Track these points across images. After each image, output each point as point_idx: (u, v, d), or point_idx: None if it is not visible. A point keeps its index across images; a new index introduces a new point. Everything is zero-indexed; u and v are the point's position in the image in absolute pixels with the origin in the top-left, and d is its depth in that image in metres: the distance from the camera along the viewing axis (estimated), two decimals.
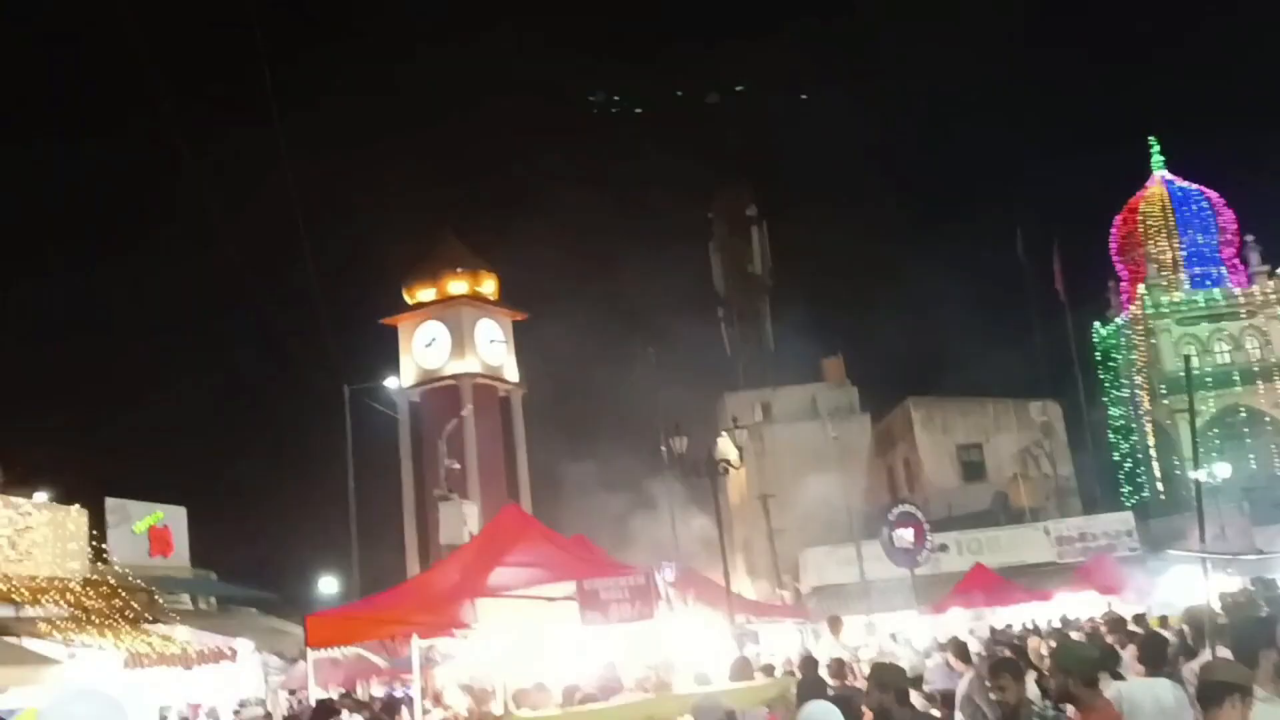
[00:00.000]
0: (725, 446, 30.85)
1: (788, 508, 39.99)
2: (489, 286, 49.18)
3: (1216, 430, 45.61)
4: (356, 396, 34.40)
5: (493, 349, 48.43)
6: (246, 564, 34.09)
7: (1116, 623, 13.87)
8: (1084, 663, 5.81)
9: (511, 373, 49.13)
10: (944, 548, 31.27)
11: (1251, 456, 44.75)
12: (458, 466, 37.14)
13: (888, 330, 57.56)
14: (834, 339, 49.96)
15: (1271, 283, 47.28)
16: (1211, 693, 4.86)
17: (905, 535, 27.12)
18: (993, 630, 21.53)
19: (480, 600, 12.30)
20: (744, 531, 46.22)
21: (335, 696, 16.90)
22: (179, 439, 63.17)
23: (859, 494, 41.81)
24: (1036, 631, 18.86)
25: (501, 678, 14.46)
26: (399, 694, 18.34)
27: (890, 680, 6.55)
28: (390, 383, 41.57)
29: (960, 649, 11.87)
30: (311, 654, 13.80)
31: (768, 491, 41.16)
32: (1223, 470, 35.85)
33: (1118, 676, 7.70)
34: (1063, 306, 45.99)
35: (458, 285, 47.92)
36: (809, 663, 12.11)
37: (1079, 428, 43.31)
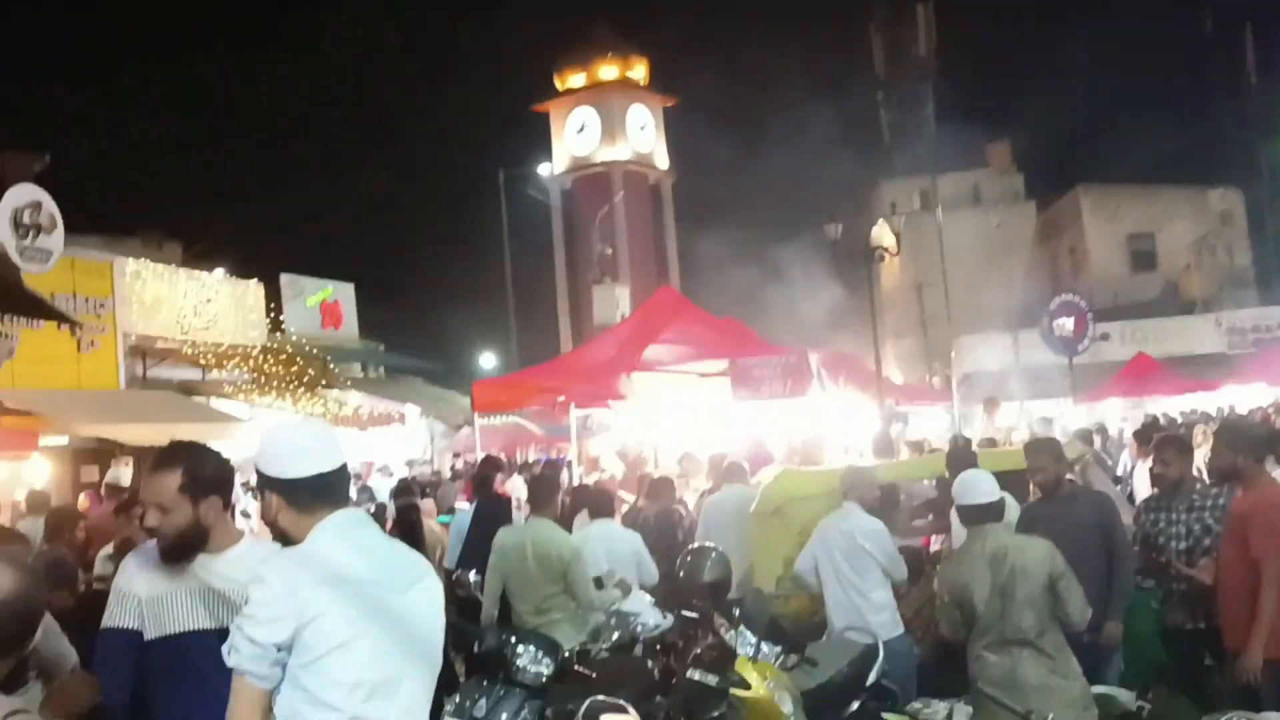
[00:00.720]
0: (881, 233, 30.21)
1: (942, 296, 39.26)
2: (640, 71, 48.25)
3: None
4: (511, 182, 34.77)
5: (643, 135, 47.93)
6: (411, 338, 35.56)
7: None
8: (1253, 440, 5.65)
9: (662, 159, 48.70)
10: (1105, 336, 30.34)
11: None
12: (610, 251, 37.59)
13: (1058, 114, 54.44)
14: (1000, 123, 47.65)
15: None
16: None
17: (1065, 324, 26.43)
18: (1148, 415, 21.06)
19: (635, 375, 12.63)
20: (895, 320, 45.73)
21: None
22: (348, 220, 65.37)
23: (1019, 283, 40.69)
24: (1204, 419, 18.38)
25: (653, 446, 15.00)
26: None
27: (1052, 450, 6.50)
28: (543, 169, 41.79)
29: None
30: (477, 419, 14.53)
31: (923, 280, 40.39)
32: None
33: None
34: (1252, 87, 42.47)
35: (608, 70, 47.20)
36: (959, 439, 12.13)
37: (1260, 216, 40.67)
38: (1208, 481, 6.38)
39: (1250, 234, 40.86)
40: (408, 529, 8.81)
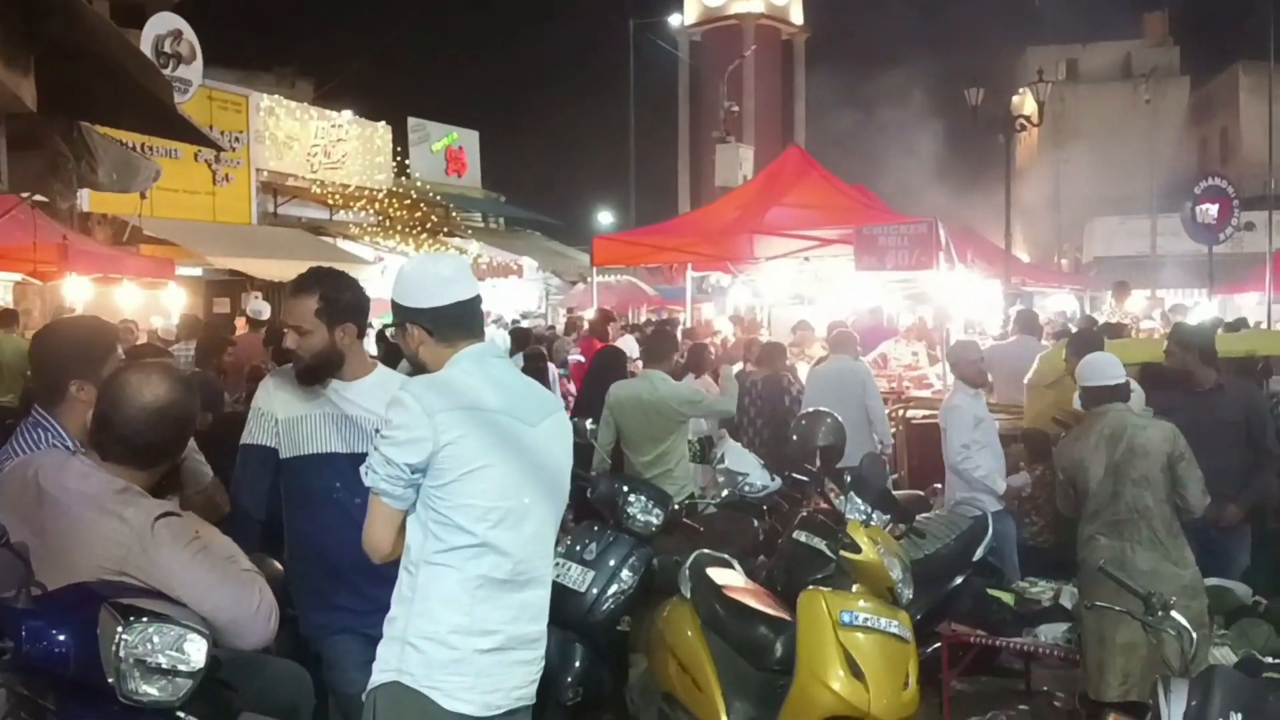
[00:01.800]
0: (1023, 102, 28.87)
1: (1079, 174, 37.62)
2: None
3: None
4: (640, 31, 34.04)
5: None
6: (531, 190, 35.75)
7: None
8: None
9: (797, 14, 47.04)
10: (1250, 226, 28.80)
11: None
12: (736, 109, 36.77)
13: None
14: None
15: None
16: None
17: (1210, 210, 25.09)
18: None
19: (757, 240, 12.46)
20: (1028, 196, 44.09)
21: None
22: (474, 66, 65.16)
23: (1162, 165, 38.74)
24: None
25: (768, 313, 14.89)
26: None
27: (1191, 340, 6.23)
28: (674, 19, 40.80)
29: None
30: (594, 275, 14.58)
31: (1062, 156, 38.69)
32: None
33: None
34: None
35: None
36: (1087, 320, 11.76)
37: None
38: None
39: None
40: (535, 378, 8.96)
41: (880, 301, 14.86)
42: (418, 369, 2.90)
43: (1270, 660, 3.72)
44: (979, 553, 6.28)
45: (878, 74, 37.22)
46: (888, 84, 35.85)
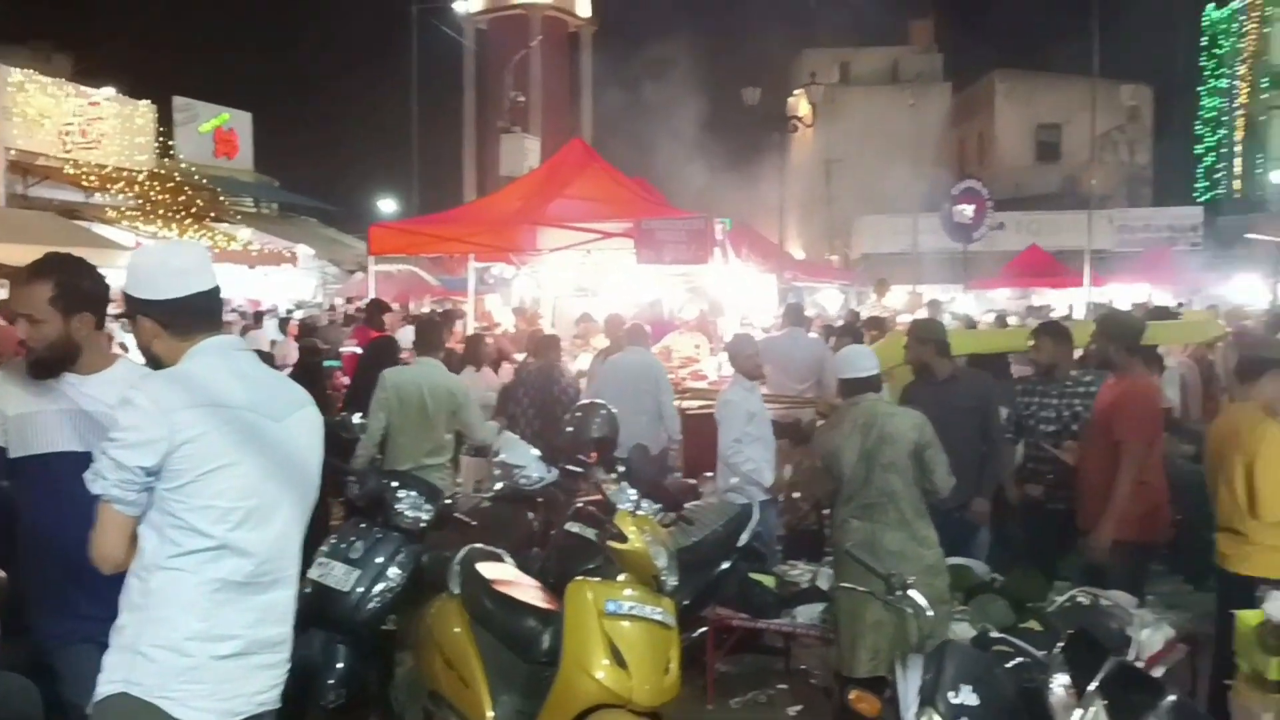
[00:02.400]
0: (798, 103, 29.98)
1: (848, 174, 39.40)
2: None
3: None
4: (424, 16, 33.45)
5: None
6: (308, 176, 34.57)
7: (1156, 310, 13.86)
8: (1127, 330, 5.86)
9: (584, 7, 47.24)
10: (1001, 226, 30.96)
11: None
12: (522, 99, 36.63)
13: None
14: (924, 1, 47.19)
15: None
16: (1251, 367, 4.90)
17: (965, 210, 26.89)
18: (1030, 308, 21.72)
19: (540, 232, 12.44)
20: (802, 194, 45.85)
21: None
22: (248, 44, 62.36)
23: (926, 166, 40.99)
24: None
25: (550, 304, 14.92)
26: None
27: (928, 334, 6.65)
28: (458, 6, 40.25)
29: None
30: (372, 264, 14.22)
31: (833, 156, 40.40)
32: None
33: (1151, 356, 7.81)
34: None
35: None
36: (850, 316, 12.34)
37: (1166, 115, 41.44)
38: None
39: (1155, 132, 41.63)
40: (309, 370, 8.63)
41: (660, 294, 15.15)
42: (152, 363, 2.75)
43: (996, 635, 4.02)
44: (744, 538, 6.48)
45: (661, 70, 37.81)
46: (670, 80, 36.47)
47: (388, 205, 37.82)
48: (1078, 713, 2.67)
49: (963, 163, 42.90)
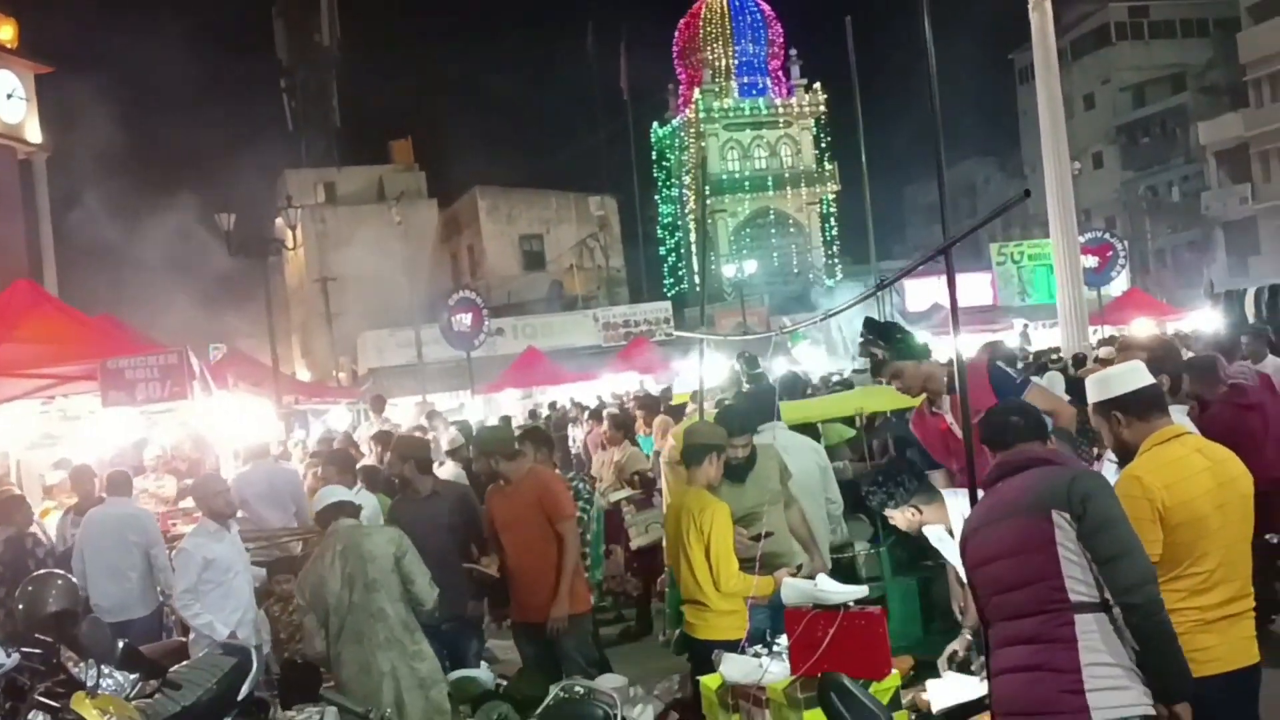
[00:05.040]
0: (281, 225, 29.49)
1: (348, 291, 39.36)
2: (7, 33, 42.56)
3: (748, 230, 50.11)
4: None
5: (11, 105, 42.34)
6: None
7: (645, 399, 15.10)
8: (503, 443, 6.42)
9: (34, 132, 43.46)
10: (500, 332, 32.40)
11: (775, 254, 49.70)
12: None
13: (459, 117, 57.03)
14: (403, 121, 48.79)
15: (808, 96, 51.58)
16: (694, 453, 5.48)
17: (464, 319, 27.87)
18: (535, 407, 22.80)
19: None
20: (302, 315, 45.04)
21: None
22: None
23: (422, 279, 41.89)
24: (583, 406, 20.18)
25: (14, 459, 13.34)
26: None
27: (409, 452, 6.80)
28: None
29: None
30: None
31: (328, 274, 40.17)
32: (750, 266, 39.59)
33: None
34: (626, 105, 47.83)
35: None
36: (344, 438, 12.26)
37: (632, 222, 45.83)
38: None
39: (623, 237, 45.80)
40: None
41: (145, 433, 14.10)
42: None
43: None
44: (244, 690, 6.11)
45: (134, 195, 35.69)
46: (146, 206, 34.52)
47: None
48: None
49: (457, 274, 44.44)
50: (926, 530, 4.88)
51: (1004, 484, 3.50)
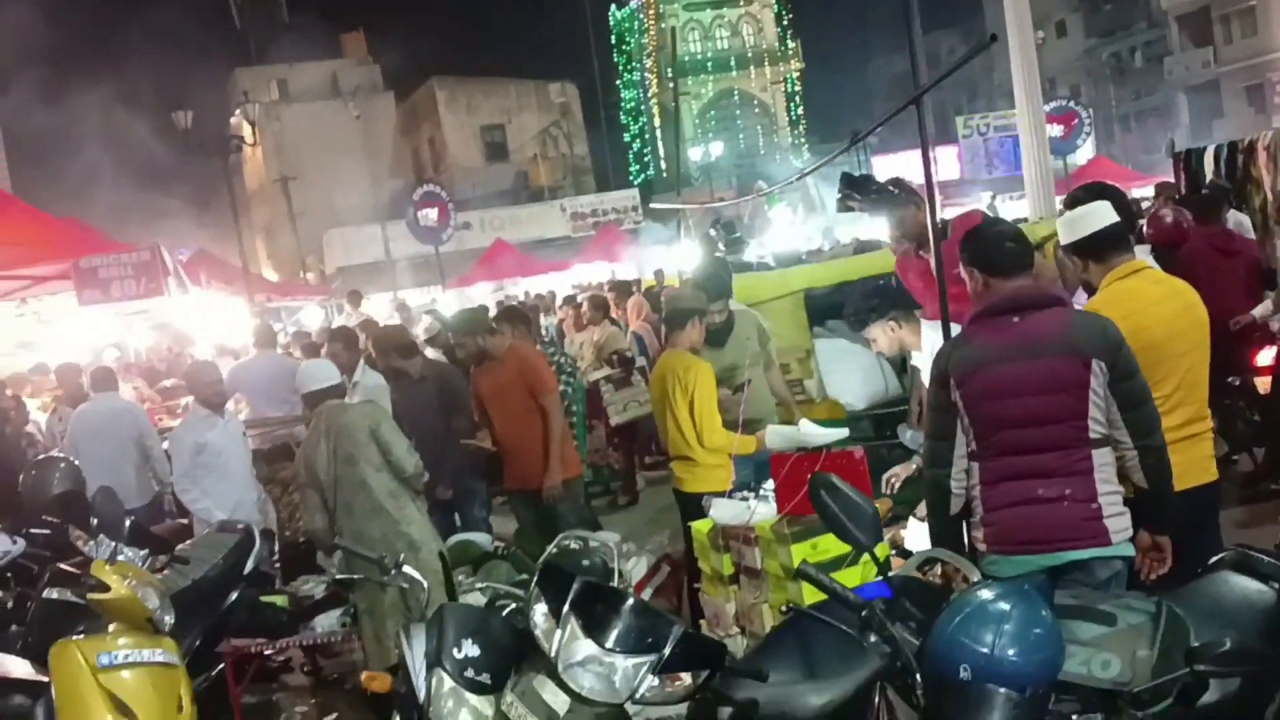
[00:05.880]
0: (239, 123, 28.96)
1: (310, 190, 38.85)
2: None
3: (713, 112, 49.63)
4: None
5: None
6: None
7: (618, 285, 15.22)
8: (481, 322, 6.67)
9: None
10: (467, 225, 32.20)
11: (741, 136, 49.37)
12: None
13: (410, 5, 55.52)
14: (353, 12, 47.52)
15: None
16: (676, 318, 5.64)
17: (430, 214, 27.62)
18: (507, 299, 22.85)
19: None
20: (264, 216, 44.49)
21: None
22: None
23: (384, 175, 41.41)
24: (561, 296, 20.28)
25: None
26: None
27: (388, 343, 6.97)
28: None
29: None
30: None
31: (288, 173, 39.57)
32: (716, 149, 39.30)
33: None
34: None
35: None
36: (322, 332, 12.34)
37: (594, 109, 45.18)
38: None
39: (586, 125, 45.23)
40: None
41: (121, 335, 14.12)
42: None
43: (503, 592, 4.33)
44: (249, 565, 6.33)
45: (87, 104, 34.81)
46: (100, 114, 33.67)
47: None
48: (558, 633, 2.98)
49: (419, 168, 43.89)
50: (915, 356, 5.08)
51: (1024, 320, 3.47)
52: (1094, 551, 3.38)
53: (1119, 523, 3.43)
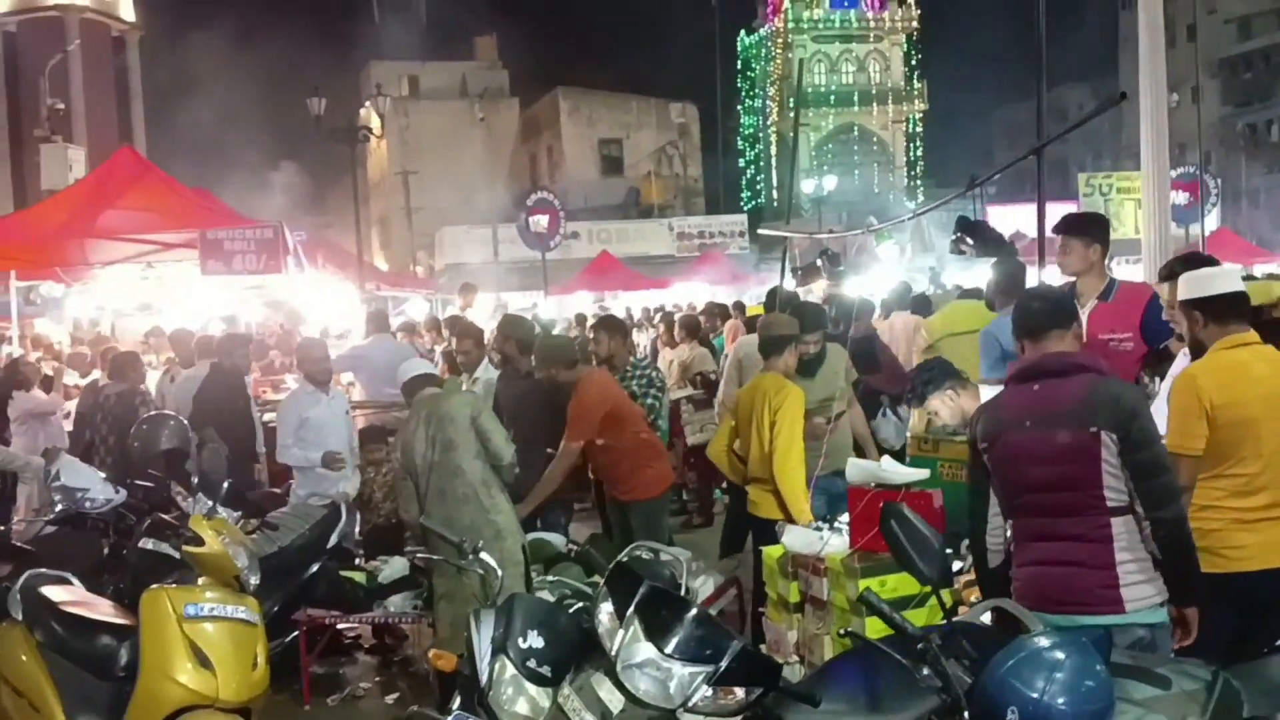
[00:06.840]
0: (368, 114, 29.81)
1: (428, 186, 39.72)
2: None
3: (830, 146, 49.42)
4: None
5: None
6: None
7: (713, 306, 15.30)
8: (561, 351, 6.45)
9: (127, 10, 44.02)
10: (575, 235, 32.63)
11: (857, 173, 49.03)
12: (61, 107, 33.57)
13: (543, 15, 56.49)
14: (488, 18, 48.51)
15: (901, 10, 50.29)
16: (772, 344, 5.71)
17: (541, 221, 28.05)
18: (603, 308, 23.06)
19: (91, 244, 11.63)
20: (381, 207, 45.62)
21: None
22: None
23: (500, 178, 42.12)
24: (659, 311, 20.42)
25: (110, 322, 13.96)
26: None
27: (513, 330, 7.09)
28: None
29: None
30: None
31: (410, 168, 40.54)
32: (830, 183, 39.11)
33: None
34: (714, 10, 47.05)
35: None
36: (432, 322, 12.63)
37: (712, 132, 45.33)
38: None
39: (703, 146, 45.41)
40: None
41: (235, 309, 14.62)
42: None
43: (571, 592, 4.46)
44: (333, 540, 6.56)
45: (224, 80, 36.14)
46: (235, 91, 34.97)
47: None
48: (620, 633, 3.08)
49: (535, 175, 44.54)
50: None
51: (1043, 386, 3.51)
52: (1108, 619, 3.37)
53: (1138, 591, 3.40)
